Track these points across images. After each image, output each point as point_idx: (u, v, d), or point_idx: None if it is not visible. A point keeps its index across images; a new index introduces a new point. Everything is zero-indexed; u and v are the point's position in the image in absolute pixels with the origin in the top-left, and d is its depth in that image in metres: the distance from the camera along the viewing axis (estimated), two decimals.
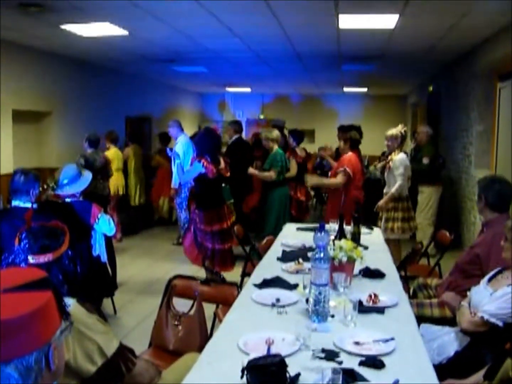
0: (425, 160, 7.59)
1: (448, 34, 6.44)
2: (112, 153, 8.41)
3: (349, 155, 6.39)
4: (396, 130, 6.22)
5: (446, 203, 8.22)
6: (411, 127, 13.18)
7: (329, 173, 6.80)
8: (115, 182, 8.42)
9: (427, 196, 7.64)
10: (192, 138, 8.56)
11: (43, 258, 2.01)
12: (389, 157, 6.26)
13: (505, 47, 6.04)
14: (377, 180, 10.56)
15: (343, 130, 8.54)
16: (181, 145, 7.89)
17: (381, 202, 6.13)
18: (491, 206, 3.54)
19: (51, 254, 2.03)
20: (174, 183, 7.85)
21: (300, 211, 8.62)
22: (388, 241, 5.85)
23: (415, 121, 13.16)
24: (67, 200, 4.45)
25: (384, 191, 6.36)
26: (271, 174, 6.89)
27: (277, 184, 6.99)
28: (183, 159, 7.72)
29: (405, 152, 6.48)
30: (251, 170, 7.24)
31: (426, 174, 7.57)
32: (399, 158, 6.06)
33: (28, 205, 3.91)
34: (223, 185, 7.12)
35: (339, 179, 6.22)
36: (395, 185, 6.01)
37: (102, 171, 7.33)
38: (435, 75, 10.38)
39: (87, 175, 4.67)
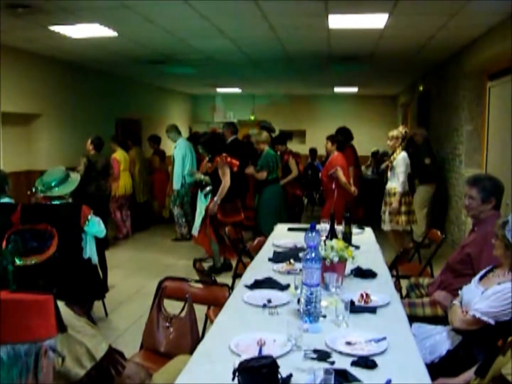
0: (427, 161, 7.96)
1: (437, 34, 6.46)
2: (119, 154, 8.71)
3: (337, 154, 6.83)
4: (397, 131, 6.66)
5: (436, 202, 8.27)
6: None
7: (320, 174, 7.08)
8: (123, 182, 8.71)
9: (425, 194, 7.93)
10: (189, 140, 8.81)
11: (30, 260, 1.98)
12: (392, 157, 6.63)
13: (495, 47, 6.07)
14: (369, 180, 10.65)
15: (341, 133, 8.81)
16: (180, 148, 8.28)
17: (394, 205, 6.45)
18: (497, 207, 3.53)
19: (38, 256, 2.00)
20: (176, 185, 8.26)
21: (300, 206, 9.42)
22: (393, 231, 6.61)
23: (405, 121, 13.20)
24: (56, 202, 4.41)
25: (386, 187, 6.68)
26: (263, 174, 7.17)
27: (267, 182, 7.20)
28: (183, 162, 8.21)
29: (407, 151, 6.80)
30: (248, 170, 7.45)
31: (428, 173, 7.95)
32: (400, 156, 6.47)
33: (6, 200, 3.95)
34: None
35: (341, 176, 6.66)
36: (398, 182, 6.42)
37: (103, 172, 7.59)
38: (425, 75, 10.41)
39: (75, 177, 4.64)
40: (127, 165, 8.88)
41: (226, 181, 6.18)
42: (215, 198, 6.24)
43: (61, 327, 1.37)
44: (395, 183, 6.47)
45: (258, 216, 7.34)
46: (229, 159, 6.27)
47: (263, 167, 7.16)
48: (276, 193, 7.28)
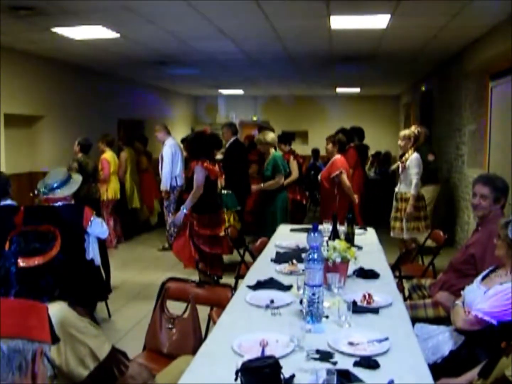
0: (430, 157, 7.65)
1: (439, 34, 6.46)
2: (109, 155, 8.35)
3: (339, 157, 6.43)
4: (410, 130, 6.41)
5: (442, 205, 8.23)
6: (404, 127, 13.20)
7: (319, 176, 6.76)
8: (112, 185, 8.36)
9: (431, 195, 7.63)
10: (183, 141, 8.52)
11: (33, 262, 1.99)
12: (403, 157, 6.37)
13: (496, 46, 6.07)
14: (371, 180, 10.63)
15: (355, 132, 8.74)
16: (169, 148, 7.91)
17: (408, 210, 6.17)
18: (503, 207, 3.54)
19: (41, 257, 2.01)
20: (165, 185, 7.85)
21: (302, 213, 8.58)
22: (410, 239, 6.26)
23: (408, 122, 13.18)
24: (58, 204, 4.41)
25: (396, 190, 6.49)
26: (278, 181, 6.57)
27: (277, 189, 6.64)
28: (172, 162, 7.81)
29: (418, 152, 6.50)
30: (254, 187, 6.98)
31: (432, 173, 7.64)
32: (414, 157, 6.21)
33: (8, 202, 3.97)
34: (226, 192, 7.01)
35: (346, 181, 6.29)
36: (411, 185, 6.15)
37: (94, 175, 7.42)
38: (427, 75, 10.41)
39: (77, 178, 4.64)
40: (116, 167, 8.50)
41: (198, 188, 5.62)
42: (182, 206, 5.72)
43: (54, 338, 1.41)
44: (407, 187, 6.20)
45: (264, 225, 6.55)
46: (205, 164, 5.64)
47: (276, 171, 6.53)
48: (285, 201, 6.74)
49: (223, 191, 6.86)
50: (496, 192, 3.49)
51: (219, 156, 7.19)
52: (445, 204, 8.42)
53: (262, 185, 6.74)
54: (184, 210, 5.67)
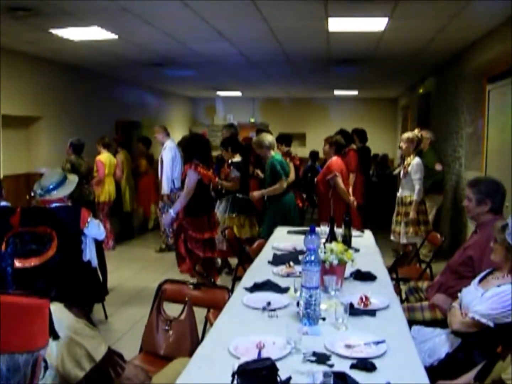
0: (438, 167, 7.45)
1: (437, 37, 6.46)
2: (105, 156, 8.33)
3: (335, 159, 6.34)
4: (413, 133, 6.33)
5: (442, 208, 8.19)
6: (401, 130, 13.21)
7: (315, 179, 6.70)
8: (107, 187, 8.31)
9: (433, 204, 7.47)
10: (179, 144, 8.30)
11: (29, 263, 1.98)
12: (405, 161, 6.30)
13: (494, 49, 6.08)
14: (372, 183, 10.59)
15: (357, 134, 8.67)
16: (169, 151, 7.76)
17: (412, 215, 6.12)
18: (496, 210, 3.52)
19: (37, 258, 2.01)
20: (166, 189, 7.66)
21: (301, 218, 8.41)
22: (409, 244, 6.22)
23: (405, 124, 13.20)
24: (55, 205, 4.41)
25: (398, 195, 6.43)
26: (277, 187, 6.13)
27: (282, 193, 6.25)
28: (172, 165, 7.66)
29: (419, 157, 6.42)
30: (255, 193, 6.42)
31: (437, 183, 7.47)
32: (416, 162, 6.15)
33: (3, 203, 3.97)
34: (239, 195, 6.93)
35: (340, 183, 6.17)
36: (414, 190, 6.10)
37: (87, 177, 7.33)
38: (425, 77, 10.42)
39: (73, 178, 4.64)
40: (112, 169, 8.43)
41: (188, 191, 5.36)
42: (170, 210, 5.52)
43: (54, 334, 1.38)
44: (410, 191, 6.14)
45: (266, 230, 6.05)
46: (199, 168, 5.39)
47: (276, 177, 6.11)
48: (289, 205, 6.29)
49: (237, 195, 6.82)
50: (479, 195, 3.50)
51: (237, 158, 6.98)
52: (445, 209, 8.39)
53: (262, 191, 6.37)
54: (172, 213, 5.47)
